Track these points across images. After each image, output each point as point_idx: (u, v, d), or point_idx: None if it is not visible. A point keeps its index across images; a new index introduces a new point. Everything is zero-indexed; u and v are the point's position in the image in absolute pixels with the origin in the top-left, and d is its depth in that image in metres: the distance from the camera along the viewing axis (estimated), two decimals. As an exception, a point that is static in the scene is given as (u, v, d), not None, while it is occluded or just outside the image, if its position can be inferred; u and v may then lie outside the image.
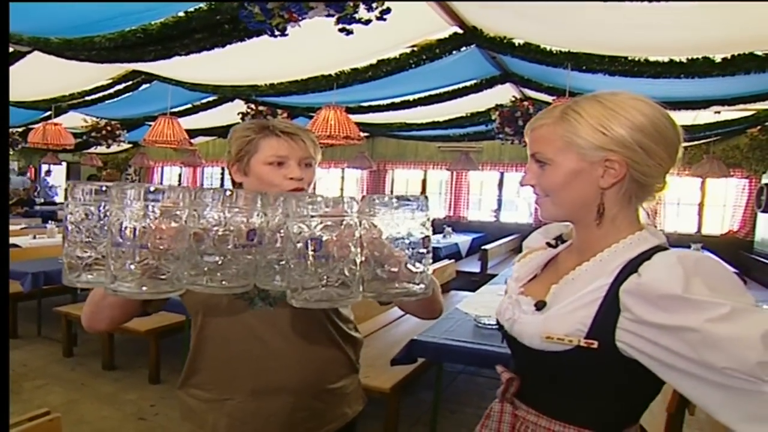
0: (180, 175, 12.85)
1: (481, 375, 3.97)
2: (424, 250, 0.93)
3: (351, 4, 1.82)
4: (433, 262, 4.15)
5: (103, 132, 8.08)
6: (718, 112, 5.49)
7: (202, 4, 2.67)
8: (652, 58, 3.23)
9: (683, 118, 5.66)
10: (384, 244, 0.90)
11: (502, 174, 9.25)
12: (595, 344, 0.87)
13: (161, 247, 0.85)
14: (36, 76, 5.10)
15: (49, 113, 6.79)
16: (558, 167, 0.94)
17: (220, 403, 1.30)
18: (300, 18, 1.90)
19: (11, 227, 7.34)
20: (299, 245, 0.86)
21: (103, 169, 13.39)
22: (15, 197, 12.86)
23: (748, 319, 0.76)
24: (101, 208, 0.92)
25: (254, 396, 1.28)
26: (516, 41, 3.62)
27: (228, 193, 0.92)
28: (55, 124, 6.15)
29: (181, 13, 2.80)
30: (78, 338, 4.51)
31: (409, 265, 0.92)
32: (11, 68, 4.86)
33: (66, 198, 0.93)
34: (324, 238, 0.87)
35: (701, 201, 8.01)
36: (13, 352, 4.46)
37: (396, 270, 0.91)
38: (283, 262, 0.92)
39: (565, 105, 0.95)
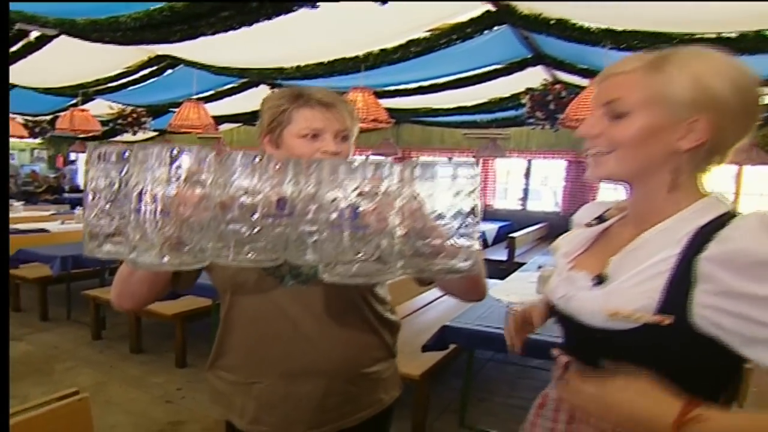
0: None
1: (510, 363, 3.88)
2: (472, 223, 0.83)
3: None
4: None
5: (129, 119, 8.13)
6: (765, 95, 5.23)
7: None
8: (697, 34, 3.05)
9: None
10: (426, 216, 0.81)
11: (529, 162, 9.06)
12: (669, 320, 0.77)
13: (184, 216, 0.78)
14: (62, 62, 5.11)
15: (76, 100, 6.84)
16: (636, 120, 0.83)
17: (248, 386, 1.23)
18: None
19: (40, 213, 7.45)
20: (333, 215, 0.79)
21: (130, 156, 13.53)
22: (45, 185, 13.11)
23: None
24: (123, 173, 0.86)
25: (284, 379, 1.20)
26: (551, 19, 3.47)
27: (257, 158, 0.84)
28: (83, 110, 6.17)
29: (208, -10, 2.74)
30: (106, 322, 4.55)
31: (454, 239, 0.83)
32: (38, 54, 4.88)
33: (86, 163, 0.86)
34: (360, 208, 0.79)
35: (736, 190, 7.72)
36: (44, 334, 4.53)
37: (439, 244, 0.82)
38: (316, 236, 0.84)
39: (660, 54, 0.84)
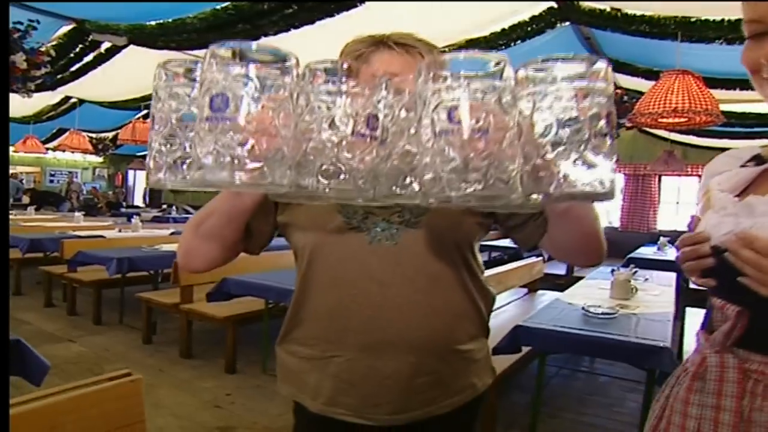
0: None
1: (578, 374, 3.63)
2: (606, 128, 0.63)
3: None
4: (516, 260, 3.83)
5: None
6: None
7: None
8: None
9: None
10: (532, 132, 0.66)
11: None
12: None
13: (263, 128, 0.67)
14: (127, 74, 5.28)
15: (140, 114, 7.06)
16: None
17: (325, 361, 1.07)
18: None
19: (99, 223, 7.68)
20: (439, 122, 0.63)
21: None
22: (104, 201, 13.62)
23: None
24: (192, 93, 0.76)
25: (366, 353, 1.03)
26: (615, 13, 3.32)
27: (346, 66, 0.73)
28: (144, 122, 6.35)
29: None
30: (157, 327, 4.56)
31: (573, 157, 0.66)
32: (104, 67, 5.06)
33: (154, 80, 0.78)
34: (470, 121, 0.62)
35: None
36: (96, 337, 4.59)
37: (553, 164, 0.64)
38: (416, 161, 0.68)
39: None
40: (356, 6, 2.84)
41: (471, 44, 3.75)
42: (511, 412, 3.17)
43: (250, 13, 3.08)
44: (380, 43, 1.07)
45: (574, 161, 0.66)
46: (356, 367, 1.05)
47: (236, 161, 0.68)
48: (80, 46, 4.40)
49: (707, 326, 0.83)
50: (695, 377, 0.81)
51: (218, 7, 3.11)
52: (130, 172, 15.72)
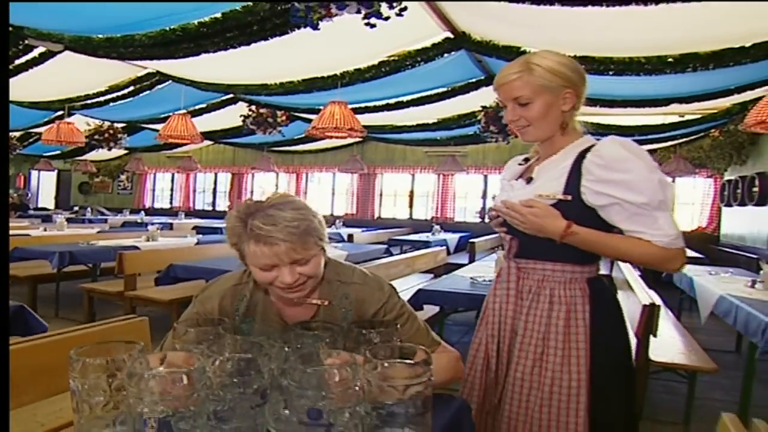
0: (172, 183, 13.18)
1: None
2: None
3: (377, 1, 2.30)
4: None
5: (106, 135, 8.46)
6: (682, 115, 6.10)
7: (238, 6, 3.14)
8: (615, 58, 3.78)
9: (652, 120, 6.27)
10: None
11: (485, 177, 9.79)
12: (570, 197, 1.35)
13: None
14: (51, 79, 5.49)
15: (56, 114, 7.15)
16: (536, 104, 1.41)
17: None
18: (336, 14, 2.37)
19: (16, 223, 7.65)
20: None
21: (96, 175, 13.68)
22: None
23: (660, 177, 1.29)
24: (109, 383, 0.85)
25: None
26: (499, 44, 4.15)
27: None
28: (68, 123, 6.52)
29: (218, 14, 3.27)
30: (96, 318, 4.84)
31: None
32: (31, 71, 5.25)
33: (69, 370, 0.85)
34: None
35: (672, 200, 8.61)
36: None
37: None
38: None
39: (524, 60, 1.42)
40: (289, 33, 3.44)
41: (382, 64, 4.47)
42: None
43: (194, 35, 3.57)
44: (248, 230, 1.18)
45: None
46: None
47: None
48: (12, 49, 4.64)
49: (505, 250, 1.56)
50: (498, 276, 1.55)
51: (168, 27, 3.57)
52: (34, 173, 15.09)
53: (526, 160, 1.61)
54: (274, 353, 1.03)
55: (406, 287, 4.75)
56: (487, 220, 1.73)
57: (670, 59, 3.59)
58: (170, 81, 5.42)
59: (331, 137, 5.74)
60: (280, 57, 4.46)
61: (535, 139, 1.49)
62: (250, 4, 3.09)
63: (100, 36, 3.68)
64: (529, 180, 1.47)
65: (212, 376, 0.89)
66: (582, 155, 1.39)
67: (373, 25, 2.45)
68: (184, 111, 5.96)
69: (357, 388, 0.83)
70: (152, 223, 9.56)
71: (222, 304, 1.35)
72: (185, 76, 5.17)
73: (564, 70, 1.39)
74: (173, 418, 0.81)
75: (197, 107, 6.82)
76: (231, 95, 5.88)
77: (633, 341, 1.70)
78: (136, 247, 5.12)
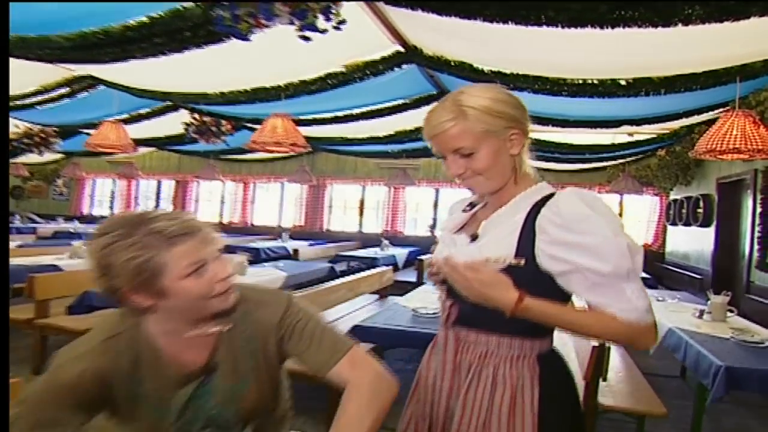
0: (113, 190, 12.51)
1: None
2: None
3: (311, 14, 2.07)
4: (371, 268, 4.41)
5: (36, 139, 7.90)
6: (631, 135, 6.12)
7: (162, 10, 2.85)
8: (569, 79, 3.67)
9: (602, 139, 6.27)
10: None
11: (437, 191, 9.68)
12: (523, 261, 1.14)
13: None
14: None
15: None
16: (483, 152, 1.20)
17: None
18: (266, 25, 2.14)
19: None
20: None
21: (29, 179, 12.86)
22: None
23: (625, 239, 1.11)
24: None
25: None
26: (451, 60, 3.99)
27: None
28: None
29: (144, 18, 2.96)
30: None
31: None
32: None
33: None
34: None
35: (620, 216, 8.76)
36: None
37: None
38: None
39: (453, 102, 1.20)
40: (223, 41, 3.17)
41: (329, 77, 4.24)
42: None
43: (119, 39, 3.25)
44: (156, 234, 1.06)
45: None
46: None
47: None
48: None
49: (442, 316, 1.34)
50: (433, 346, 1.33)
51: (87, 30, 3.24)
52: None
53: (472, 205, 1.40)
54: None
55: (349, 311, 4.53)
56: (428, 267, 1.52)
57: (623, 82, 3.50)
58: (101, 85, 5.03)
59: (272, 152, 5.46)
60: (220, 65, 4.16)
61: (491, 191, 1.27)
62: (179, 8, 2.79)
63: (14, 35, 3.30)
64: (474, 237, 1.26)
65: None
66: (536, 208, 1.18)
67: (308, 38, 2.23)
68: (117, 118, 5.54)
69: None
70: (86, 234, 9.02)
71: (93, 368, 1.09)
72: (118, 81, 4.79)
73: (504, 108, 1.19)
74: None
75: (138, 112, 6.41)
76: (169, 102, 5.51)
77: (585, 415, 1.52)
78: (57, 267, 4.67)
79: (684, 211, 6.86)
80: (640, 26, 2.44)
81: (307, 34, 2.24)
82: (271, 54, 3.90)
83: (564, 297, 1.18)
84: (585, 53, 3.26)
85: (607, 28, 2.50)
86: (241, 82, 4.54)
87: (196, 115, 6.47)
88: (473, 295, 1.17)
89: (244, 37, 2.33)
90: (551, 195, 1.21)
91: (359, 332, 2.87)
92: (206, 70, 4.21)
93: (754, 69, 3.25)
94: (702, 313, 3.53)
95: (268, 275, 4.87)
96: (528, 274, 1.15)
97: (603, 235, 1.09)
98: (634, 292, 1.09)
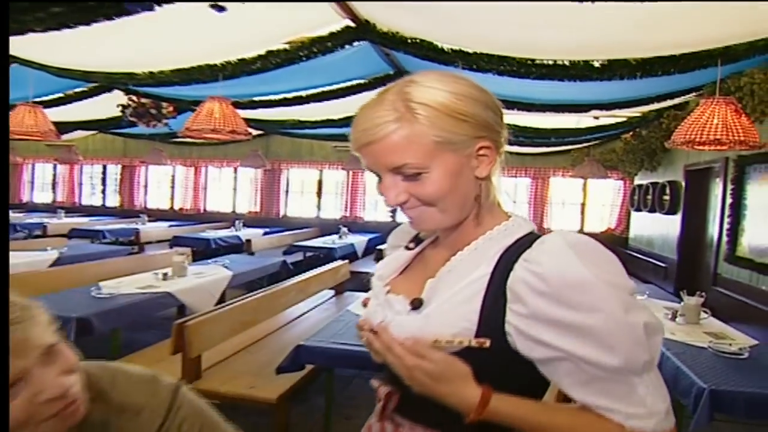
0: (54, 175, 11.67)
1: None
2: None
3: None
4: (328, 262, 3.98)
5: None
6: (597, 118, 5.86)
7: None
8: (537, 60, 3.31)
9: (567, 122, 5.98)
10: None
11: (398, 175, 9.31)
12: (488, 343, 0.77)
13: None
14: None
15: None
16: (437, 172, 0.80)
17: None
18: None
19: None
20: None
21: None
22: None
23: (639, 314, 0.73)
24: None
25: None
26: (407, 37, 3.58)
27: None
28: None
29: (33, -18, 2.45)
30: None
31: None
32: None
33: None
34: None
35: (583, 201, 8.68)
36: None
37: None
38: None
39: (398, 94, 0.81)
40: (133, 14, 2.68)
41: (271, 54, 3.77)
42: (309, 417, 3.31)
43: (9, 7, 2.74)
44: None
45: None
46: None
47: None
48: None
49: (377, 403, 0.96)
50: None
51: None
52: None
53: (418, 240, 1.02)
54: None
55: (303, 312, 4.16)
56: (386, 246, 1.12)
57: (597, 64, 3.16)
58: (15, 63, 4.42)
59: (209, 139, 4.96)
60: (145, 41, 3.65)
61: (443, 227, 0.88)
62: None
63: None
64: (418, 304, 0.87)
65: None
66: (508, 259, 0.81)
67: (221, 8, 1.80)
68: (33, 102, 4.91)
69: None
70: (21, 226, 8.34)
71: None
72: (32, 58, 4.20)
73: (471, 108, 0.80)
74: None
75: (65, 94, 5.77)
76: (96, 83, 4.93)
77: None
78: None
79: (649, 197, 6.68)
80: (620, -1, 2.08)
81: (221, 3, 1.82)
82: (204, 29, 3.42)
83: (545, 384, 0.82)
84: (557, 30, 2.91)
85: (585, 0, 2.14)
86: (172, 61, 4.02)
87: (134, 97, 5.88)
88: (417, 387, 0.80)
89: (148, 8, 1.88)
90: (529, 237, 0.84)
91: (304, 353, 2.49)
92: (129, 47, 3.70)
93: (737, 52, 2.96)
94: (675, 314, 3.30)
95: (212, 275, 4.42)
96: (495, 359, 0.79)
97: (609, 313, 0.71)
98: (649, 388, 0.74)
